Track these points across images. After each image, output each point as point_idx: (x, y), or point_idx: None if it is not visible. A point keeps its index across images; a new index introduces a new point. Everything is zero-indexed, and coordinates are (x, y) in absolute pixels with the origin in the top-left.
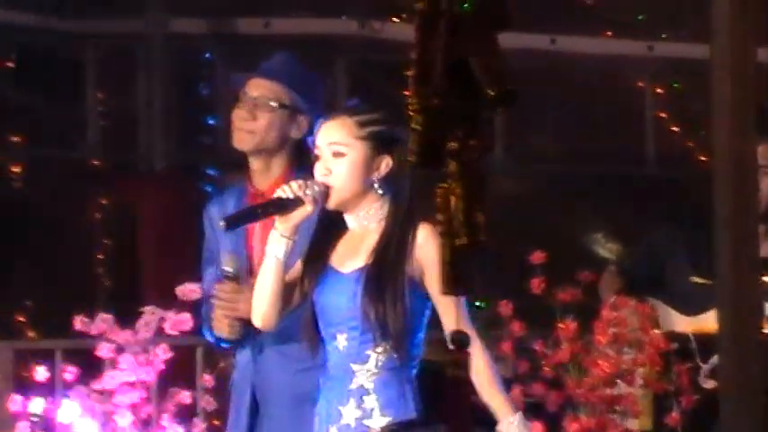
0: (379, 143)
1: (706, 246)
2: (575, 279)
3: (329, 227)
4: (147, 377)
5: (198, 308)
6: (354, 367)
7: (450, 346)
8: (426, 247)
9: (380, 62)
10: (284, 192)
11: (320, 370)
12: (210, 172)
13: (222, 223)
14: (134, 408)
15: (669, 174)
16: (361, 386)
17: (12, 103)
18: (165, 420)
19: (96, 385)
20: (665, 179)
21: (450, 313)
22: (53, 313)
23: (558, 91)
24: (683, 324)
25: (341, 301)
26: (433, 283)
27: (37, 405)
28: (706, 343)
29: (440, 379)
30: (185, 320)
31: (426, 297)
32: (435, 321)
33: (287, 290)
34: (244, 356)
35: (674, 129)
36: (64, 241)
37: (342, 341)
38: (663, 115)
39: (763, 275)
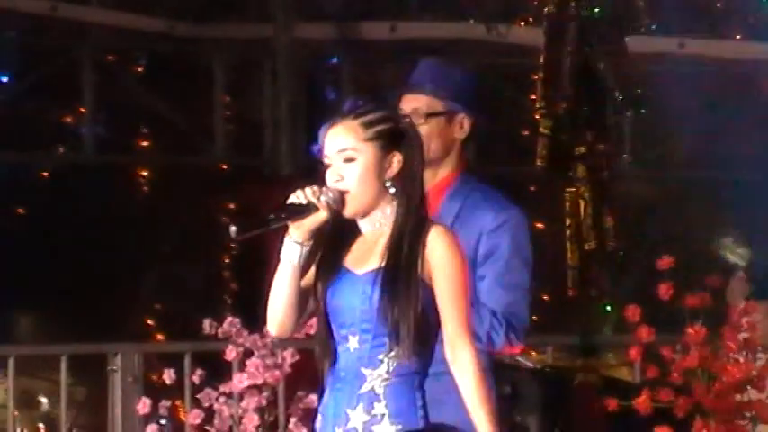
0: (388, 141)
1: None
2: (703, 284)
3: (343, 228)
4: (274, 380)
5: None
6: (365, 371)
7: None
8: (435, 248)
9: (507, 66)
10: (297, 198)
11: (452, 376)
12: None
13: (233, 230)
14: (261, 411)
15: None
16: (372, 391)
17: (140, 109)
18: (292, 423)
19: (224, 388)
20: None
21: (451, 318)
22: (181, 317)
23: (687, 95)
24: None
25: (354, 303)
26: (438, 285)
27: (165, 408)
28: None
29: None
30: (312, 324)
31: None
32: (563, 326)
33: (303, 295)
34: None
35: None
36: (192, 245)
37: (354, 343)
38: None
39: None
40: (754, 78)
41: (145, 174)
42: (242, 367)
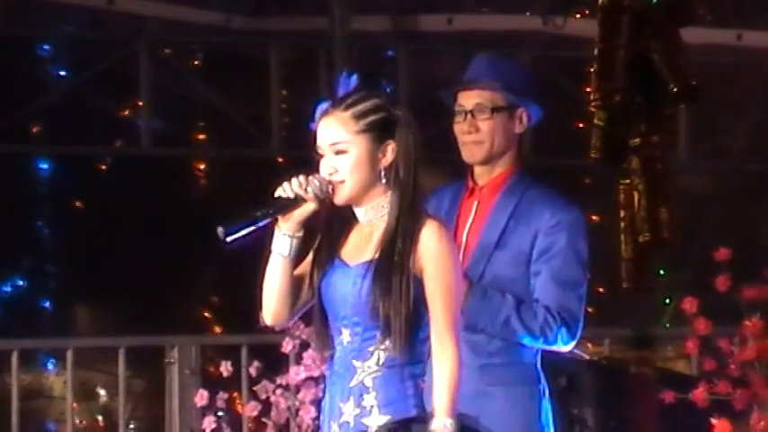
0: (380, 131)
1: None
2: (761, 276)
3: (340, 219)
4: None
5: None
6: (356, 364)
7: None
8: (428, 243)
9: (563, 58)
10: (284, 191)
11: (508, 368)
12: None
13: (220, 231)
14: (318, 403)
15: None
16: (362, 383)
17: (197, 102)
18: None
19: (281, 380)
20: None
21: (440, 313)
22: (238, 309)
23: (743, 87)
24: None
25: (346, 295)
26: (428, 280)
27: (223, 400)
28: None
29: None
30: None
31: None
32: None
33: (297, 284)
34: None
35: None
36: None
37: (346, 336)
38: None
39: None
40: None
41: (202, 167)
42: (299, 360)
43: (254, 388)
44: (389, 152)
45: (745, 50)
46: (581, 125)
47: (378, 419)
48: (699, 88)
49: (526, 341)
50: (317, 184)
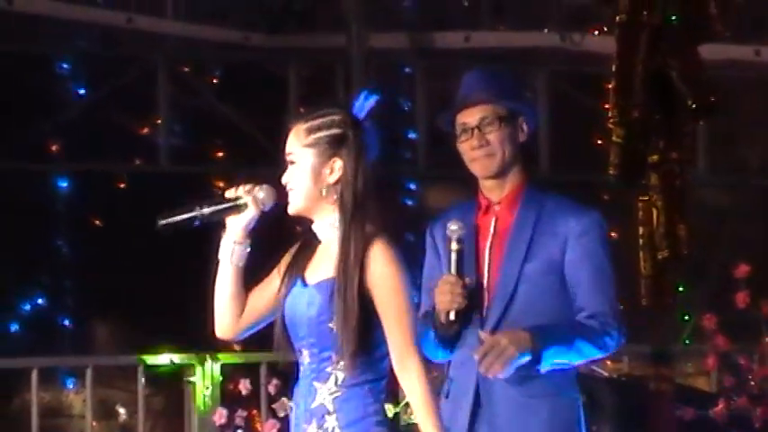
0: (328, 147)
1: None
2: None
3: (310, 240)
4: None
5: None
6: (317, 385)
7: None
8: (375, 264)
9: (581, 75)
10: (231, 193)
11: (550, 378)
12: (411, 186)
13: (160, 223)
14: None
15: None
16: (322, 405)
17: (215, 119)
18: None
19: None
20: None
21: (396, 332)
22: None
23: (762, 102)
24: None
25: (302, 316)
26: (379, 301)
27: (242, 418)
28: None
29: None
30: None
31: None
32: (633, 336)
33: (241, 297)
34: (462, 355)
35: None
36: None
37: (306, 357)
38: None
39: None
40: None
41: (220, 184)
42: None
43: (273, 406)
44: (336, 169)
45: (764, 66)
46: (600, 141)
47: None
48: (717, 104)
49: (598, 356)
50: (262, 194)
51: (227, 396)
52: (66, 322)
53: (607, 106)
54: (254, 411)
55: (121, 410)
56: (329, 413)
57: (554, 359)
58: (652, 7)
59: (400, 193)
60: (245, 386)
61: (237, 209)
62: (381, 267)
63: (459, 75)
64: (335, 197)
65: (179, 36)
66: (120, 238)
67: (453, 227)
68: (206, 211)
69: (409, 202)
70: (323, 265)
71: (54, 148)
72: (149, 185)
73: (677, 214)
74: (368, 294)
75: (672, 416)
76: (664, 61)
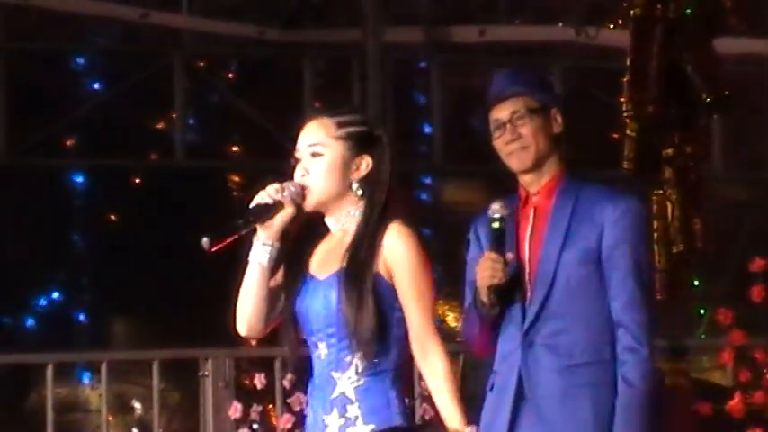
0: (358, 143)
1: None
2: None
3: (307, 234)
4: None
5: None
6: (335, 375)
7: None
8: (394, 246)
9: (596, 69)
10: (261, 198)
11: (591, 367)
12: (426, 180)
13: (205, 241)
14: None
15: None
16: (343, 394)
17: (231, 114)
18: None
19: None
20: None
21: (416, 315)
22: None
23: None
24: None
25: (318, 309)
26: (400, 283)
27: (257, 412)
28: None
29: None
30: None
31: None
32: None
33: (271, 296)
34: (506, 348)
35: None
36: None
37: (323, 349)
38: None
39: None
40: None
41: (236, 179)
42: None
43: (288, 400)
44: (364, 166)
45: None
46: (615, 136)
47: (362, 429)
48: (732, 98)
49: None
50: (293, 189)
51: (243, 390)
52: (82, 317)
53: (622, 100)
54: (270, 406)
55: (137, 405)
56: (351, 402)
57: None
58: (666, 1)
59: (415, 189)
60: (260, 380)
61: (276, 211)
62: (400, 248)
63: (475, 69)
64: (359, 193)
65: (195, 31)
66: (136, 233)
67: (495, 206)
68: (250, 225)
69: (424, 197)
70: (334, 256)
71: (69, 143)
72: (165, 181)
73: (692, 208)
74: (385, 279)
75: (688, 410)
76: (679, 55)
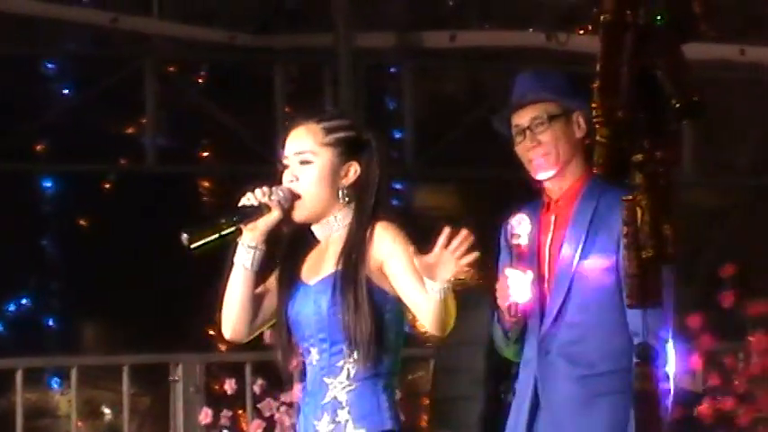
0: (347, 149)
1: None
2: (766, 292)
3: (299, 240)
4: None
5: None
6: (327, 381)
7: (636, 360)
8: (381, 240)
9: (567, 75)
10: (248, 200)
11: (610, 376)
12: (397, 186)
13: (184, 237)
14: None
15: None
16: (335, 399)
17: (202, 119)
18: None
19: (285, 398)
20: None
21: (411, 284)
22: None
23: (747, 102)
24: None
25: (309, 314)
26: (393, 270)
27: (227, 418)
28: None
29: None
30: None
31: (388, 298)
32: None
33: (257, 300)
34: (525, 354)
35: None
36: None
37: (315, 355)
38: None
39: None
40: None
41: (206, 184)
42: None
43: (259, 405)
44: (352, 172)
45: (749, 65)
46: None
47: None
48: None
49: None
50: (281, 193)
51: (213, 396)
52: (52, 323)
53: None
54: (240, 411)
55: (107, 411)
56: (342, 407)
57: None
58: (636, 7)
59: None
60: (230, 386)
61: (261, 214)
62: (390, 242)
63: (446, 74)
64: (347, 200)
65: (165, 36)
66: (106, 238)
67: (513, 221)
68: (234, 226)
69: (396, 203)
70: (323, 262)
71: (39, 148)
72: (136, 186)
73: (662, 214)
74: (374, 284)
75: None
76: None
